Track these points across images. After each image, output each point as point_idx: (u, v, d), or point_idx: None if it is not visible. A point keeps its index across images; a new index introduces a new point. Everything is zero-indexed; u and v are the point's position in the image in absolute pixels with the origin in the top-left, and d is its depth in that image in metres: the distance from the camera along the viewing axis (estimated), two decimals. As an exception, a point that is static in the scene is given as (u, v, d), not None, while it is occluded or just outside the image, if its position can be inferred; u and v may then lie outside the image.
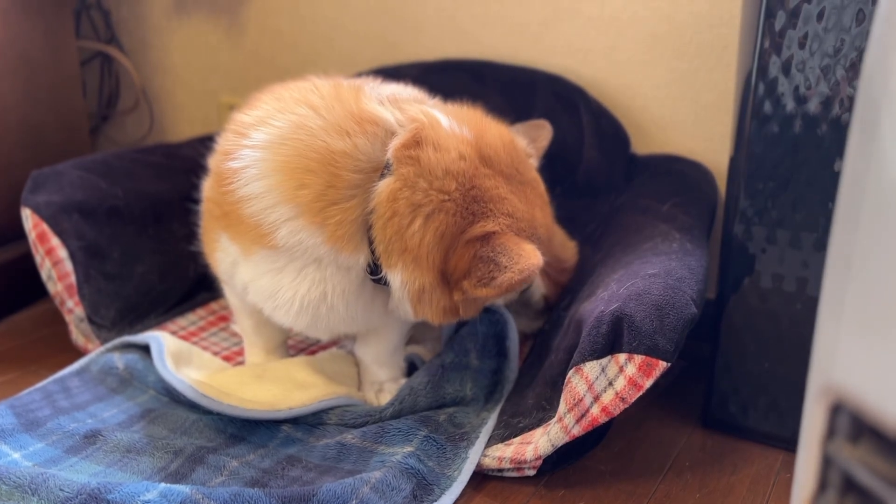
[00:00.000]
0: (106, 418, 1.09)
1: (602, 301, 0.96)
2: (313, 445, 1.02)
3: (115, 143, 2.16)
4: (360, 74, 1.61)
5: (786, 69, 0.98)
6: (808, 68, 0.96)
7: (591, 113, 1.40)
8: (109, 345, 1.24)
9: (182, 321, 1.42)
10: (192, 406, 1.09)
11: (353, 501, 0.86)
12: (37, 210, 1.32)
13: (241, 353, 1.32)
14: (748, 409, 1.09)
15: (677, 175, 1.31)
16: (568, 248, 1.27)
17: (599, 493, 0.98)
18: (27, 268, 1.44)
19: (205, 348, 1.32)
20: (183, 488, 0.86)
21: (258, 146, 0.96)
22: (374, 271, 0.96)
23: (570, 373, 0.92)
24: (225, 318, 1.45)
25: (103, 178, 1.43)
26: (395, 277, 0.93)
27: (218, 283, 1.34)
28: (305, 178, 0.92)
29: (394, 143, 0.92)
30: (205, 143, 1.68)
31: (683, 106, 1.39)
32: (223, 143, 1.04)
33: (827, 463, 0.48)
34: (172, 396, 1.13)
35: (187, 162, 1.59)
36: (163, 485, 0.87)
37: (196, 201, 1.54)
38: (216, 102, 2.01)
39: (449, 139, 0.94)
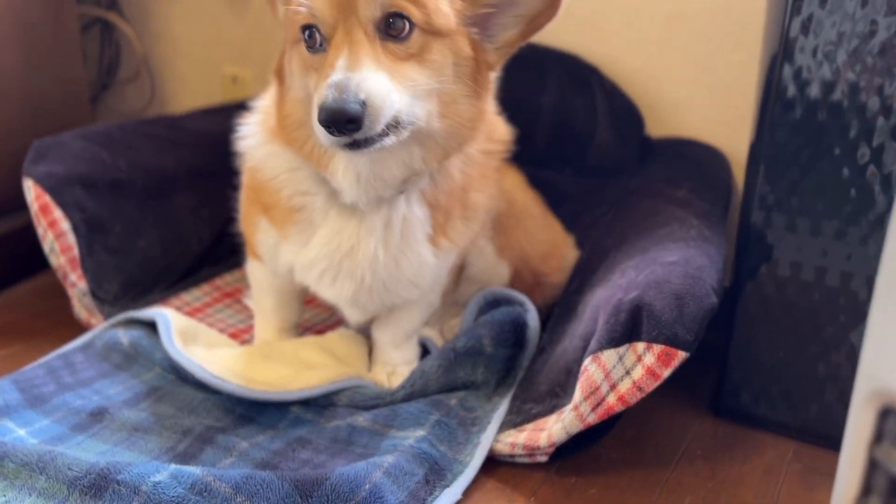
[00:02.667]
0: (111, 395, 1.07)
1: (620, 288, 0.95)
2: (323, 427, 1.01)
3: (115, 113, 2.12)
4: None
5: (813, 54, 0.95)
6: (837, 54, 0.94)
7: (604, 93, 1.37)
8: (113, 320, 1.22)
9: (187, 297, 1.40)
10: (200, 385, 1.08)
11: (367, 486, 0.85)
12: (39, 181, 1.29)
13: (247, 330, 1.31)
14: (760, 398, 1.09)
15: (691, 159, 1.29)
16: (558, 251, 1.25)
17: (611, 480, 0.97)
18: (27, 239, 1.42)
19: (210, 325, 1.30)
20: (193, 470, 0.85)
21: None
22: None
23: (587, 361, 0.91)
24: (230, 294, 1.44)
25: (106, 149, 1.40)
26: None
27: (238, 258, 1.36)
28: None
29: None
30: (209, 115, 1.66)
31: (699, 88, 1.37)
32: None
33: (873, 467, 0.47)
34: (179, 374, 1.11)
35: (191, 135, 1.56)
36: (173, 466, 0.85)
37: (200, 175, 1.52)
38: (219, 74, 1.97)
39: None
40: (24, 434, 0.97)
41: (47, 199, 1.28)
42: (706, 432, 1.08)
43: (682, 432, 1.08)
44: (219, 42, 1.94)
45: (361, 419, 1.00)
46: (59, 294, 1.44)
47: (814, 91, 0.97)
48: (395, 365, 1.12)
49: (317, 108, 0.79)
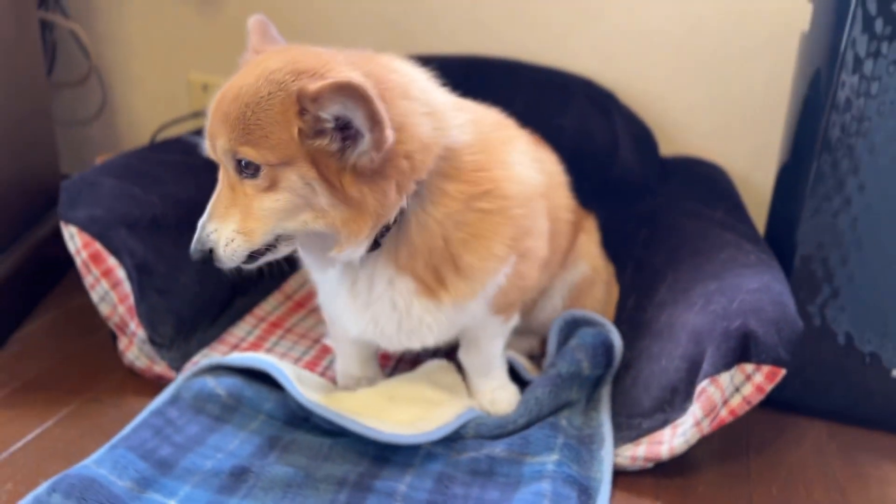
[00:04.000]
0: (235, 451, 1.08)
1: (718, 316, 1.09)
2: (457, 460, 1.09)
3: (60, 123, 1.94)
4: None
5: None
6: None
7: (622, 117, 1.51)
8: (196, 368, 1.20)
9: (238, 332, 1.38)
10: (321, 430, 1.11)
11: (543, 515, 0.95)
12: (84, 227, 1.22)
13: (316, 362, 1.33)
14: (791, 383, 1.28)
15: (708, 179, 1.47)
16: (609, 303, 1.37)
17: (709, 477, 1.14)
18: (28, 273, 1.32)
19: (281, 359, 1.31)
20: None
21: None
22: None
23: (705, 383, 1.05)
24: (277, 324, 1.44)
25: (136, 185, 1.34)
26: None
27: (267, 283, 1.44)
28: None
29: None
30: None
31: (703, 112, 1.54)
32: None
33: None
34: (286, 420, 1.13)
35: (202, 158, 1.50)
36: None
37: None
38: (184, 80, 1.88)
39: None
40: (176, 505, 0.96)
41: (97, 246, 1.22)
42: (760, 421, 1.27)
43: (739, 425, 1.26)
44: (183, 46, 1.85)
45: (498, 450, 1.09)
46: (74, 333, 1.41)
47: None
48: (493, 390, 1.21)
49: None
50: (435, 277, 1.04)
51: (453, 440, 1.12)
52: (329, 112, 0.88)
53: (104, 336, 1.43)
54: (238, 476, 1.02)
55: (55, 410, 1.20)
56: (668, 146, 1.57)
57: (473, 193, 1.01)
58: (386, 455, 1.09)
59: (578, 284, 1.32)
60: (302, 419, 1.14)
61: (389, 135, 0.89)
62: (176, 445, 1.07)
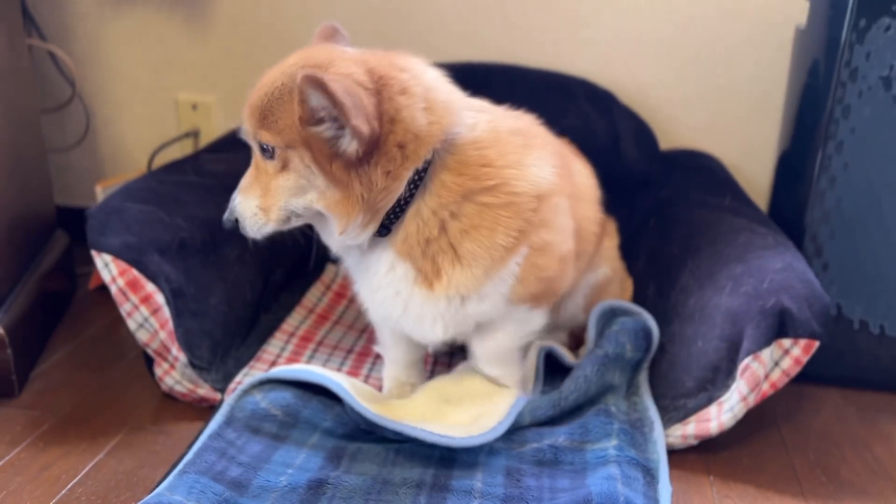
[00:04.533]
0: (305, 465, 1.08)
1: (749, 296, 1.16)
2: (520, 452, 1.12)
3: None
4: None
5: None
6: None
7: (622, 114, 1.58)
8: (245, 386, 1.20)
9: (271, 349, 1.38)
10: (379, 438, 1.13)
11: (621, 498, 1.00)
12: (119, 255, 1.21)
13: (355, 373, 1.35)
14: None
15: (707, 169, 1.55)
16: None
17: (747, 449, 1.21)
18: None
19: (320, 373, 1.32)
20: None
21: None
22: None
23: (749, 360, 1.12)
24: (307, 338, 1.44)
25: (161, 208, 1.32)
26: None
27: (288, 297, 1.50)
28: None
29: None
30: (219, 154, 1.58)
31: (696, 105, 1.62)
32: None
33: None
34: (344, 434, 1.14)
35: (216, 178, 1.50)
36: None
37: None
38: (172, 100, 1.85)
39: None
40: (264, 524, 0.97)
41: (135, 273, 1.21)
42: (780, 393, 1.35)
43: (767, 398, 1.34)
44: (171, 66, 1.83)
45: (561, 439, 1.13)
46: (96, 364, 1.40)
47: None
48: (497, 378, 1.23)
49: None
50: (433, 268, 1.09)
51: (511, 432, 1.16)
52: (312, 102, 0.96)
53: (128, 364, 1.41)
54: (317, 489, 1.03)
55: (103, 442, 1.18)
56: (666, 141, 1.65)
57: (474, 188, 1.05)
58: (452, 455, 1.12)
59: (599, 284, 1.38)
60: (364, 432, 1.15)
61: (359, 125, 0.95)
62: (244, 465, 1.07)
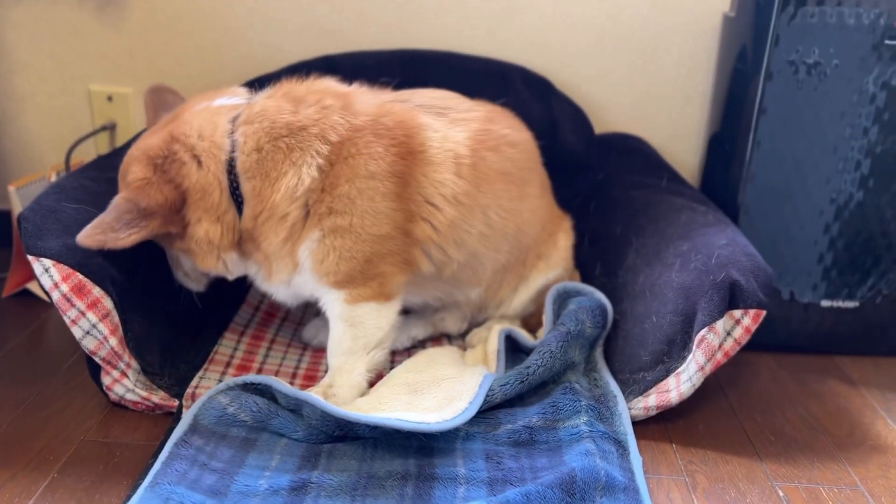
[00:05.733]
0: (279, 467, 1.06)
1: (699, 271, 1.22)
2: (496, 435, 1.14)
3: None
4: (306, 65, 1.58)
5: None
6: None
7: (558, 100, 1.61)
8: (212, 391, 1.15)
9: (225, 350, 1.33)
10: (351, 438, 1.12)
11: (601, 472, 1.03)
12: (60, 258, 1.12)
13: (316, 368, 1.32)
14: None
15: (640, 152, 1.61)
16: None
17: (704, 414, 1.28)
18: None
19: (271, 372, 1.29)
20: (476, 504, 0.95)
21: None
22: None
23: (704, 331, 1.18)
24: (259, 336, 1.40)
25: (97, 207, 1.23)
26: None
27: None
28: None
29: None
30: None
31: (625, 90, 1.68)
32: None
33: None
34: (313, 441, 1.12)
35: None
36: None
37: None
38: (84, 91, 1.74)
39: None
40: (251, 528, 0.94)
41: (80, 277, 1.13)
42: (723, 362, 1.44)
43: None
44: (81, 56, 1.71)
45: (535, 420, 1.15)
46: (26, 379, 1.31)
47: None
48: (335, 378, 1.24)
49: None
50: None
51: (483, 413, 1.17)
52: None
53: (64, 375, 1.32)
54: (300, 490, 1.01)
55: (52, 460, 1.10)
56: (599, 125, 1.70)
57: (256, 208, 1.17)
58: (430, 444, 1.12)
59: (552, 282, 1.42)
60: (337, 438, 1.12)
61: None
62: (218, 472, 1.03)
